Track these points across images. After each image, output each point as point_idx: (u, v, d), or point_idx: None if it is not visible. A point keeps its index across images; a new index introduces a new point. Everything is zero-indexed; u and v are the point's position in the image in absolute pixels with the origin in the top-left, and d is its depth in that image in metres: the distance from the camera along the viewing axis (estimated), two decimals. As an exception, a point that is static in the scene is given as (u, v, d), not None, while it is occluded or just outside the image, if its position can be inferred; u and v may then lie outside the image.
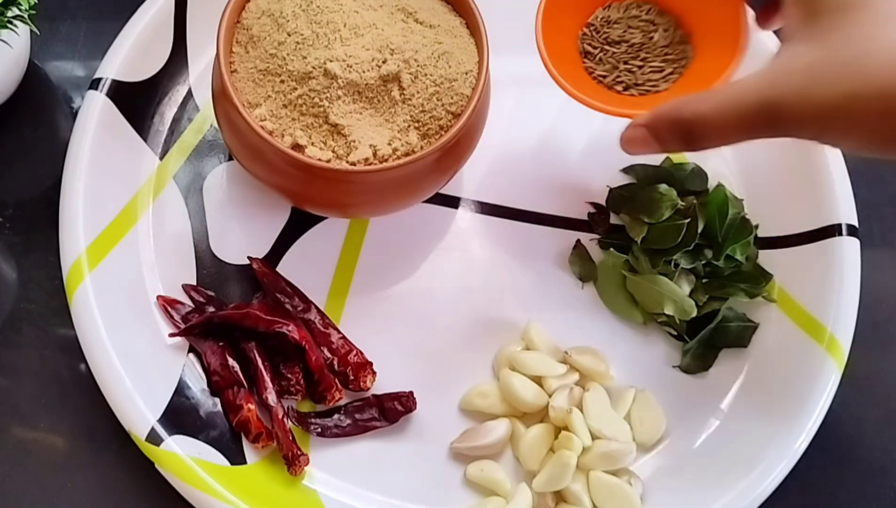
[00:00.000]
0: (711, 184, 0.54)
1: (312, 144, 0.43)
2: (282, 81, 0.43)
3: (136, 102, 0.52)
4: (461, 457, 0.47)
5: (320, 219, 0.52)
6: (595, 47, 0.47)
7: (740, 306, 0.51)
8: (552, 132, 0.55)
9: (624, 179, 0.54)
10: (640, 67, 0.47)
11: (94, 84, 0.51)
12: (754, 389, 0.49)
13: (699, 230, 0.51)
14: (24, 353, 0.48)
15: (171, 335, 0.48)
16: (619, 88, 0.47)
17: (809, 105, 0.35)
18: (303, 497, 0.45)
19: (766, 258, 0.52)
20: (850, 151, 0.40)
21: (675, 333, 0.51)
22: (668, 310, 0.49)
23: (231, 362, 0.47)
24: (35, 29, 0.48)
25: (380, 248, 0.51)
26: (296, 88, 0.43)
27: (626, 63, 0.47)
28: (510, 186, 0.54)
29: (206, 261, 0.50)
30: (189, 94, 0.54)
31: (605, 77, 0.47)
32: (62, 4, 0.56)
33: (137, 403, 0.45)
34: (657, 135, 0.41)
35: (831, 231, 0.51)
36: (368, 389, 0.48)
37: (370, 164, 0.43)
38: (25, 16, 0.46)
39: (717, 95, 0.38)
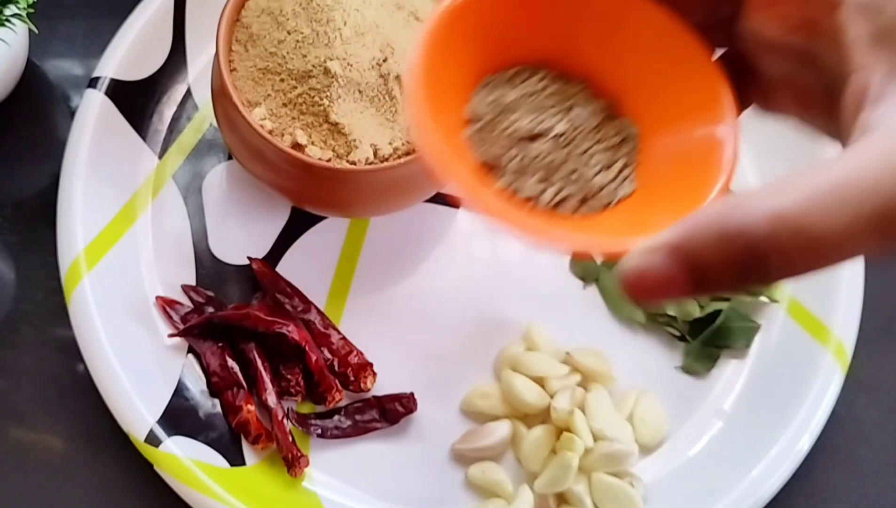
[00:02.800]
0: (714, 184, 0.53)
1: (312, 143, 0.43)
2: (281, 80, 0.43)
3: (135, 100, 0.52)
4: (462, 459, 0.47)
5: (320, 219, 0.51)
6: (500, 151, 0.28)
7: (743, 307, 0.51)
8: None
9: (626, 179, 0.54)
10: (584, 166, 0.29)
11: (93, 83, 0.50)
12: (757, 390, 0.49)
13: (701, 230, 0.51)
14: (22, 353, 0.48)
15: (171, 335, 0.47)
16: (567, 208, 0.28)
17: None
18: (303, 499, 0.45)
19: (769, 258, 0.52)
20: None
21: (677, 334, 0.51)
22: (671, 311, 0.49)
23: (230, 363, 0.46)
24: (33, 27, 0.48)
25: (380, 248, 0.51)
26: (296, 87, 0.43)
27: (561, 165, 0.28)
28: (511, 185, 0.54)
29: (206, 261, 0.50)
30: (188, 92, 0.53)
31: (538, 196, 0.28)
32: (60, 3, 0.56)
33: (136, 404, 0.44)
34: (697, 265, 0.22)
35: (834, 231, 0.51)
36: (369, 390, 0.47)
37: (371, 163, 0.43)
38: (23, 14, 0.46)
39: (803, 188, 0.21)
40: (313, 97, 0.42)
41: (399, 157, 0.43)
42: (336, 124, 0.42)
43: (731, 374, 0.50)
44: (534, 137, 0.28)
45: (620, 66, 0.30)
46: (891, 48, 0.23)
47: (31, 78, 0.54)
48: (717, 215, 0.22)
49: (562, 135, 0.29)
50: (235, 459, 0.45)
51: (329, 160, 0.42)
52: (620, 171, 0.29)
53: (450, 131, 0.28)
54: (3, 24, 0.46)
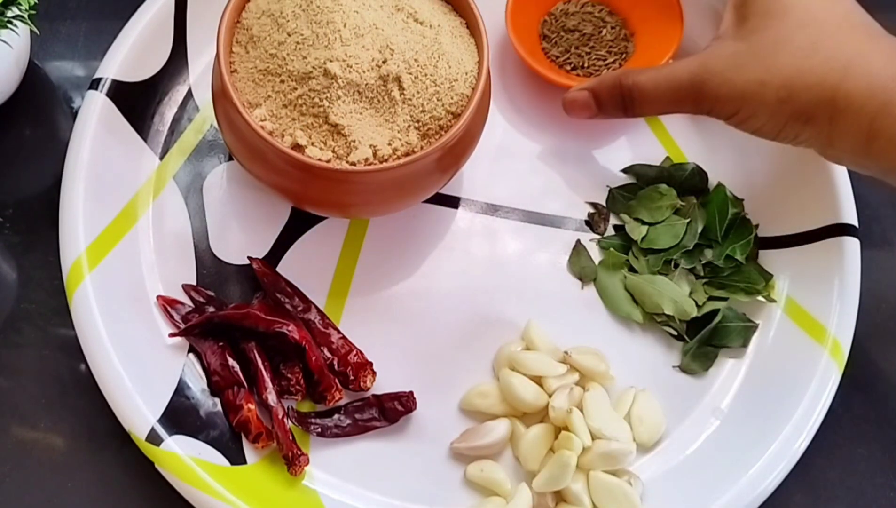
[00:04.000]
0: (711, 184, 0.54)
1: (312, 144, 0.43)
2: (282, 81, 0.43)
3: (136, 102, 0.52)
4: (461, 457, 0.47)
5: (320, 219, 0.52)
6: (553, 32, 0.56)
7: (740, 307, 0.51)
8: (552, 132, 0.55)
9: (624, 180, 0.54)
10: (587, 54, 0.55)
11: (94, 84, 0.51)
12: (754, 389, 0.49)
13: (699, 230, 0.51)
14: (24, 353, 0.48)
15: (171, 335, 0.48)
16: (567, 67, 0.56)
17: (729, 86, 0.44)
18: (303, 498, 0.45)
19: (766, 258, 0.52)
20: (752, 132, 0.45)
21: (674, 333, 0.51)
22: (668, 310, 0.49)
23: (231, 362, 0.47)
24: (35, 29, 0.48)
25: (380, 248, 0.51)
26: (296, 88, 0.43)
27: (576, 48, 0.56)
28: (510, 186, 0.54)
29: (206, 261, 0.50)
30: (189, 94, 0.54)
31: (557, 57, 0.56)
32: (62, 4, 0.56)
33: (137, 403, 0.45)
34: (598, 98, 0.49)
35: (831, 231, 0.51)
36: (368, 389, 0.48)
37: (370, 164, 0.43)
38: (25, 16, 0.46)
39: (655, 70, 0.47)
40: (313, 98, 0.43)
41: (398, 157, 0.43)
42: (336, 125, 0.43)
43: (729, 373, 0.50)
44: (572, 31, 0.56)
45: (636, 13, 0.57)
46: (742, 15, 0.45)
47: (33, 79, 0.54)
48: (615, 75, 0.48)
49: (586, 35, 0.56)
50: (236, 457, 0.45)
51: (329, 161, 0.43)
52: (609, 64, 0.56)
53: (532, 18, 0.57)
54: (6, 26, 0.46)
